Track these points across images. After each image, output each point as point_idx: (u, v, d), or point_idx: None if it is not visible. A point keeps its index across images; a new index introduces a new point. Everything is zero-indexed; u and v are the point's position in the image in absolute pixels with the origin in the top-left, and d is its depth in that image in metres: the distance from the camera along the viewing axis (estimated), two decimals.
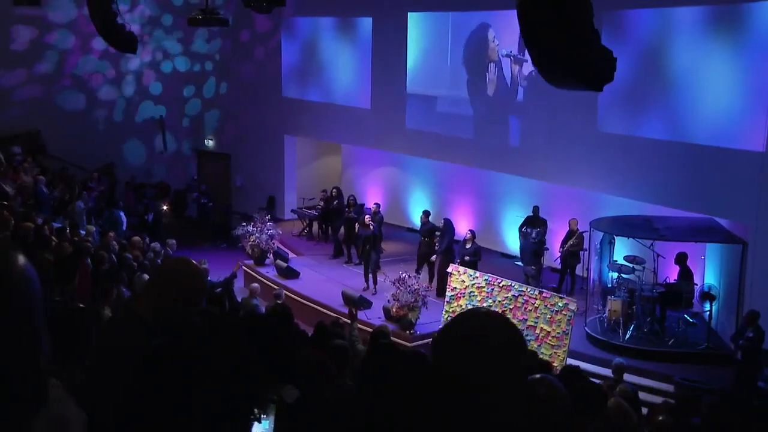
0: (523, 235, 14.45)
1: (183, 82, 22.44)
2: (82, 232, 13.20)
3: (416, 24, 17.20)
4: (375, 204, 16.14)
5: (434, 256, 14.48)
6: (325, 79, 19.59)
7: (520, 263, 16.08)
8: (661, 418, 5.77)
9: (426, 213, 15.15)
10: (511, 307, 11.43)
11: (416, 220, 18.74)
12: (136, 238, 13.85)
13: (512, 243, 16.76)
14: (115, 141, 21.59)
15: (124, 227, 17.26)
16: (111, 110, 21.61)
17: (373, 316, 12.99)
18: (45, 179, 16.78)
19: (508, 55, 15.37)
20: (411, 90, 17.37)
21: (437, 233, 14.73)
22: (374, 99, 18.14)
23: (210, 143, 22.83)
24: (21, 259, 1.26)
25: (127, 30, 13.14)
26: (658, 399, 9.11)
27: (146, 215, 18.75)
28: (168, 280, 2.57)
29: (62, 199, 16.91)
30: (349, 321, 8.91)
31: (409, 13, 17.05)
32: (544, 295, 11.26)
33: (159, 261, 12.96)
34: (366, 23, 18.20)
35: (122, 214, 17.66)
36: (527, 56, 13.68)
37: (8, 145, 18.10)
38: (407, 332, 12.43)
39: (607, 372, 9.94)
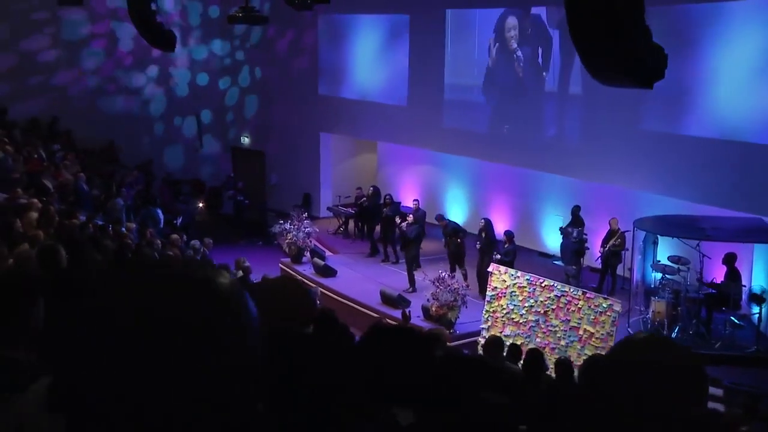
0: (564, 234, 14.24)
1: (218, 80, 22.53)
2: (122, 230, 13.30)
3: (455, 21, 17.05)
4: (414, 201, 16.07)
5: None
6: (361, 77, 19.52)
7: (558, 262, 15.90)
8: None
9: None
10: (553, 307, 11.27)
11: (454, 219, 18.65)
12: (175, 236, 13.92)
13: (550, 242, 16.58)
14: (152, 138, 21.77)
15: (162, 225, 17.39)
16: (148, 108, 21.78)
17: (412, 315, 12.90)
18: (84, 176, 16.94)
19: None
20: (448, 87, 17.23)
21: (460, 233, 14.60)
22: (411, 96, 18.03)
23: (245, 141, 22.89)
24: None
25: (166, 28, 13.24)
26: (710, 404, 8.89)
27: (175, 219, 18.59)
28: (278, 300, 2.52)
29: (102, 196, 17.07)
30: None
31: (447, 11, 16.91)
32: (587, 295, 11.08)
33: (197, 258, 13.01)
34: (403, 20, 18.09)
35: (159, 211, 17.78)
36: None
37: (49, 143, 18.30)
38: (447, 331, 12.30)
39: None
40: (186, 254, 12.98)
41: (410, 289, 14.31)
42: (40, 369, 2.05)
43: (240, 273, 12.03)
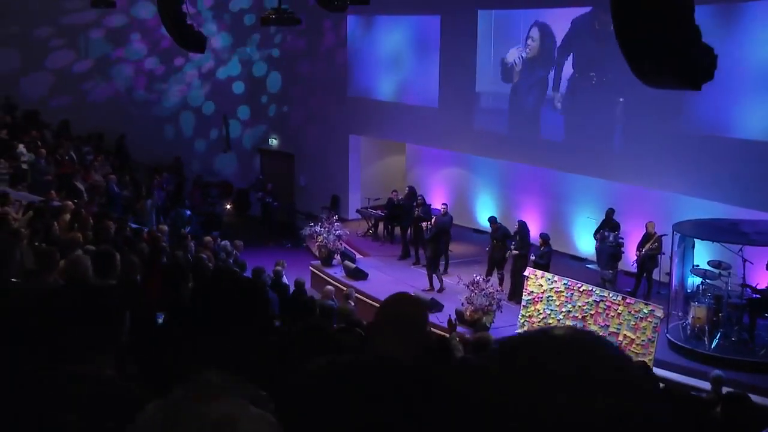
0: (600, 237, 14.01)
1: (248, 81, 22.55)
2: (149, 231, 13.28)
3: (486, 22, 16.89)
4: (443, 205, 15.91)
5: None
6: (391, 78, 19.41)
7: (591, 266, 15.67)
8: None
9: (493, 219, 14.79)
10: (592, 312, 11.07)
11: (482, 221, 18.46)
12: (207, 238, 13.89)
13: (583, 245, 16.36)
14: (180, 140, 21.83)
15: (191, 226, 17.39)
16: (178, 109, 21.85)
17: (445, 319, 12.74)
18: (115, 178, 16.98)
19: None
20: (480, 89, 17.07)
21: (509, 237, 14.41)
22: (442, 98, 17.89)
23: (274, 142, 22.87)
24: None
25: (196, 30, 13.20)
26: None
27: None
28: (406, 321, 2.39)
29: (132, 198, 17.12)
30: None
31: (479, 11, 16.75)
32: (627, 300, 10.87)
33: (230, 261, 12.96)
34: (434, 22, 17.95)
35: (189, 212, 17.80)
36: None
37: (81, 144, 18.38)
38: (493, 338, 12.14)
39: (697, 382, 9.57)
40: (219, 257, 12.93)
41: (441, 289, 14.30)
42: (139, 394, 1.95)
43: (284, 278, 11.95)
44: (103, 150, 19.07)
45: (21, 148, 15.56)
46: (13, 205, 11.08)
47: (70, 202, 11.78)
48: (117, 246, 8.27)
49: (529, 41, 16.14)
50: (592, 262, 15.84)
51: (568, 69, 15.48)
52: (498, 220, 14.74)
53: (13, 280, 3.86)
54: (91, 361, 2.09)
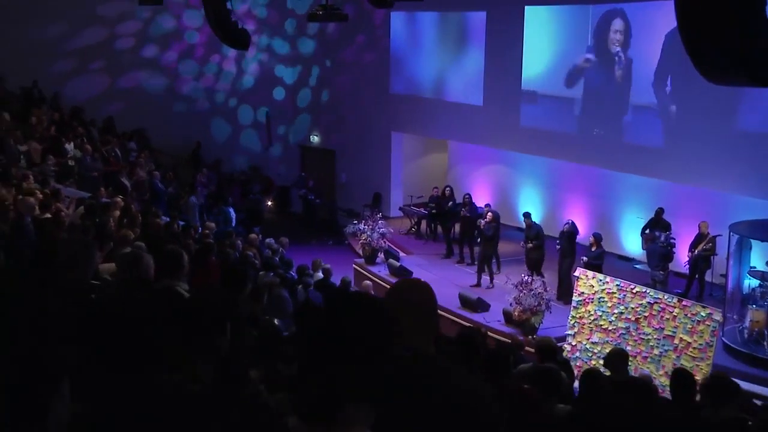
0: (650, 238, 13.70)
1: (290, 78, 22.55)
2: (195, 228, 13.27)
3: (533, 18, 16.63)
4: (486, 205, 15.76)
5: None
6: (434, 75, 19.21)
7: (638, 266, 15.37)
8: None
9: (527, 214, 14.55)
10: (645, 314, 10.79)
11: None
12: (253, 235, 13.86)
13: (630, 245, 16.07)
14: (222, 137, 21.91)
15: (234, 224, 17.40)
16: (219, 106, 21.93)
17: (492, 319, 12.60)
18: (159, 174, 17.08)
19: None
20: (526, 87, 16.81)
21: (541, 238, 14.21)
22: (486, 96, 17.66)
23: (315, 139, 22.83)
24: None
25: (240, 27, 13.18)
26: None
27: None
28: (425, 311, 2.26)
29: (176, 195, 17.18)
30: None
31: (526, 7, 16.49)
32: (683, 303, 10.57)
33: (276, 259, 12.90)
34: (479, 18, 17.72)
35: (232, 210, 17.81)
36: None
37: (125, 140, 18.52)
38: (529, 337, 11.94)
39: (759, 389, 9.26)
40: (264, 254, 12.89)
41: (475, 285, 14.40)
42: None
43: (319, 274, 11.88)
44: (146, 146, 19.19)
45: (68, 145, 15.70)
46: (63, 202, 11.16)
47: (119, 199, 11.82)
48: (160, 243, 8.24)
49: (590, 39, 15.79)
50: (639, 262, 15.54)
51: (624, 68, 15.11)
52: (531, 217, 14.53)
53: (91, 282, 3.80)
54: (190, 370, 1.99)
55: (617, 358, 6.33)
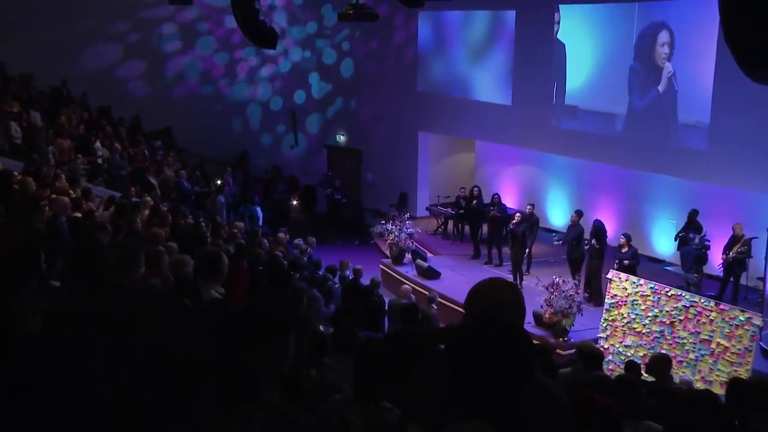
0: (684, 240, 13.45)
1: (316, 77, 22.49)
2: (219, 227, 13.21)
3: (568, 17, 16.39)
4: (529, 206, 15.56)
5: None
6: (462, 74, 19.02)
7: (669, 268, 15.13)
8: None
9: (579, 213, 14.28)
10: (681, 318, 10.58)
11: (555, 221, 18.00)
12: (280, 234, 13.79)
13: (661, 247, 15.82)
14: (248, 135, 21.91)
15: (261, 222, 17.40)
16: (244, 106, 21.94)
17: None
18: (186, 173, 17.09)
19: None
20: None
21: (585, 236, 13.98)
22: (515, 95, 17.46)
23: (341, 139, 22.75)
24: None
25: (268, 26, 13.12)
26: None
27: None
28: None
29: (203, 194, 17.19)
30: None
31: (559, 6, 16.25)
32: (721, 307, 10.34)
33: (304, 259, 12.82)
34: (509, 17, 17.53)
35: (258, 209, 17.82)
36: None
37: (152, 139, 18.56)
38: (560, 339, 11.77)
39: None
40: (292, 253, 12.82)
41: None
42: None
43: (347, 273, 11.80)
44: (172, 146, 19.23)
45: (97, 144, 15.75)
46: (93, 201, 11.15)
47: (149, 198, 11.80)
48: (190, 242, 8.18)
49: (612, 38, 15.56)
50: (670, 264, 15.29)
51: (661, 70, 14.82)
52: (580, 217, 14.30)
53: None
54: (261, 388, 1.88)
55: (661, 364, 6.13)
